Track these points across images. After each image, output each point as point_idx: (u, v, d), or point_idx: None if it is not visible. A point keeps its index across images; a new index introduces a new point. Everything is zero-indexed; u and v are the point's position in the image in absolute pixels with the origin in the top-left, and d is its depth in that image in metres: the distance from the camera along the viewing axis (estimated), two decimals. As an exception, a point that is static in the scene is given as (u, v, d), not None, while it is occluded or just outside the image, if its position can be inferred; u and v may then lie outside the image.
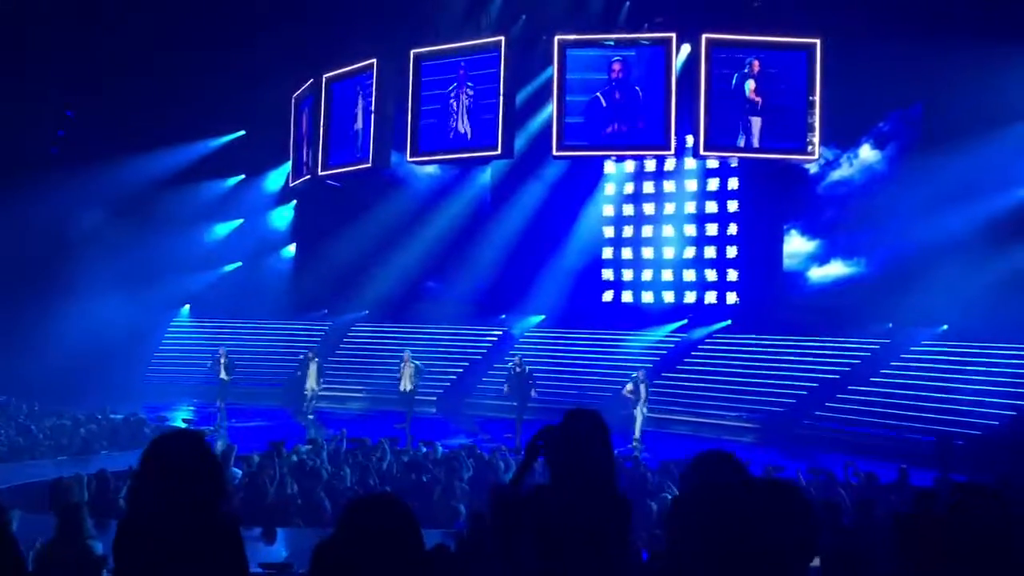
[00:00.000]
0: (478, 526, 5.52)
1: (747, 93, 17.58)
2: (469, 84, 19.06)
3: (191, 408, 21.14)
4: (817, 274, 21.53)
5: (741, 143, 17.61)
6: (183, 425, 17.56)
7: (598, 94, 18.19)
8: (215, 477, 2.91)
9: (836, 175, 21.19)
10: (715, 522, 2.99)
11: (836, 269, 21.15)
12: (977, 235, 17.66)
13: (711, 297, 23.33)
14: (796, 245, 22.15)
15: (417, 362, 19.31)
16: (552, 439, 3.46)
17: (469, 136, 19.13)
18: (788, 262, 22.23)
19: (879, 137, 20.81)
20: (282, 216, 27.87)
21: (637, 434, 17.14)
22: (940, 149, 17.87)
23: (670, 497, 8.44)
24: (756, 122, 17.58)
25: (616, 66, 18.06)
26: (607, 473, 3.44)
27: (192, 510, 2.78)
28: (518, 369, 19.04)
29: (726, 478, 3.14)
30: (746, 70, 17.52)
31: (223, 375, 20.30)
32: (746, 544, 2.67)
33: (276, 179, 27.03)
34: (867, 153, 20.93)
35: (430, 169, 23.10)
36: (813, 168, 19.88)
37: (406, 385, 18.98)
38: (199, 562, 2.75)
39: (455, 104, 19.19)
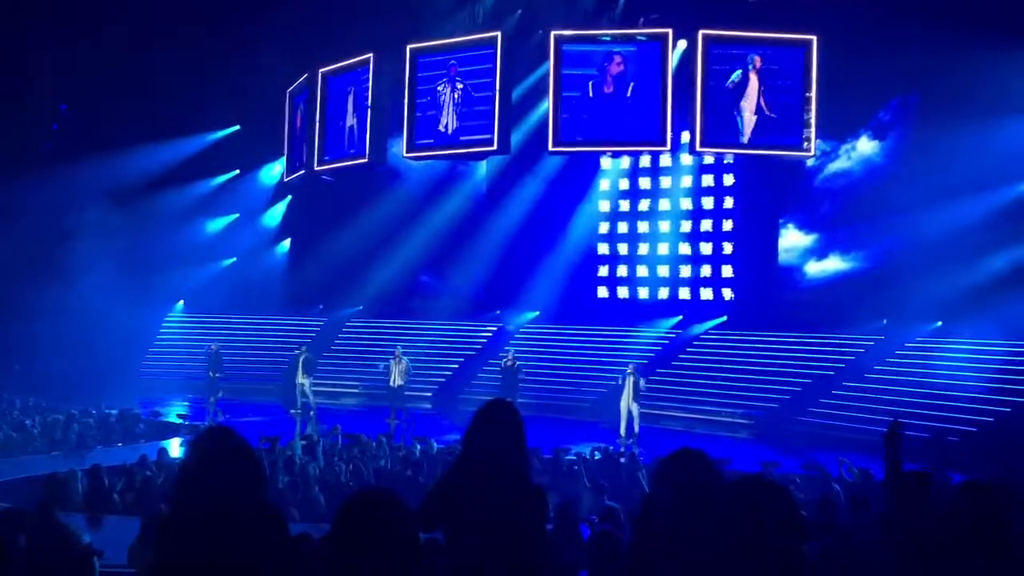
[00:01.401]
0: None
1: (745, 89, 17.59)
2: (464, 79, 19.03)
3: (185, 403, 21.09)
4: (813, 269, 21.56)
5: (744, 139, 17.63)
6: (178, 421, 17.55)
7: (590, 84, 18.18)
8: (256, 469, 2.99)
9: (833, 167, 21.20)
10: (684, 521, 2.99)
11: (832, 264, 21.18)
12: (973, 229, 17.67)
13: (707, 293, 23.32)
14: (793, 239, 22.16)
15: (406, 358, 19.37)
16: (468, 430, 3.54)
17: (465, 131, 19.11)
18: (785, 256, 22.23)
19: (876, 128, 20.80)
20: (277, 211, 27.83)
21: (636, 428, 17.16)
22: (938, 140, 17.85)
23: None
24: (752, 118, 17.60)
25: (614, 60, 18.05)
26: (517, 462, 3.49)
27: (236, 501, 2.84)
28: (510, 363, 19.10)
29: (697, 477, 3.13)
30: (749, 66, 17.52)
31: (210, 371, 20.33)
32: (716, 542, 2.67)
33: (271, 174, 27.00)
34: (864, 145, 20.94)
35: (425, 164, 23.02)
36: (811, 161, 19.85)
37: (396, 380, 19.02)
38: (245, 551, 2.78)
39: (451, 99, 19.16)
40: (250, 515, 2.86)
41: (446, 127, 19.09)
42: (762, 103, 17.54)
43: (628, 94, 18.00)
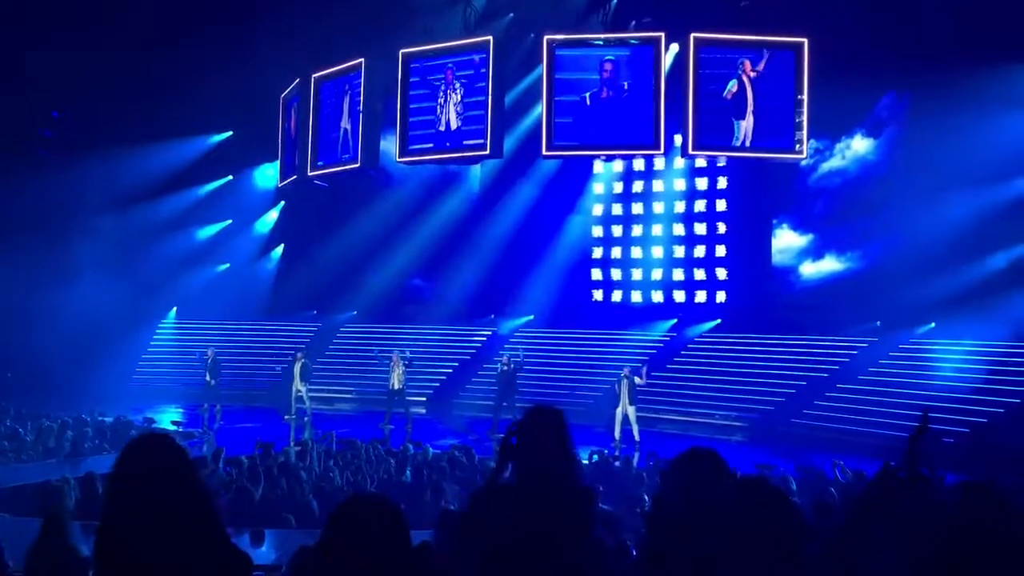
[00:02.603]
0: (445, 523, 5.53)
1: (736, 93, 17.62)
2: (458, 83, 19.04)
3: (180, 410, 21.04)
4: (808, 270, 21.58)
5: (737, 143, 17.64)
6: (172, 428, 17.50)
7: (586, 94, 18.20)
8: (188, 479, 2.80)
9: (827, 166, 21.21)
10: (696, 520, 3.00)
11: (827, 265, 21.21)
12: (967, 228, 17.64)
13: (700, 296, 23.36)
14: (787, 240, 22.16)
15: (404, 362, 19.32)
16: (514, 434, 3.53)
17: (458, 136, 19.11)
18: (779, 257, 22.24)
19: (871, 126, 20.78)
20: (270, 217, 27.80)
21: (636, 436, 17.15)
22: (932, 136, 17.85)
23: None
24: (745, 122, 17.62)
25: (607, 66, 18.07)
26: (566, 466, 3.49)
27: (167, 513, 2.70)
28: (507, 367, 19.07)
29: (709, 477, 3.15)
30: (738, 70, 17.55)
31: (208, 378, 20.25)
32: (727, 541, 2.68)
33: (264, 180, 26.97)
34: (858, 143, 20.95)
35: (419, 169, 23.00)
36: (805, 161, 19.83)
37: (395, 383, 18.97)
38: (180, 566, 2.68)
39: (444, 104, 19.17)
40: (180, 529, 2.71)
41: (447, 127, 19.09)
42: (752, 106, 17.57)
43: (621, 98, 18.03)
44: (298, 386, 19.83)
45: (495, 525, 3.38)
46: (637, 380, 17.52)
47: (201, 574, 2.70)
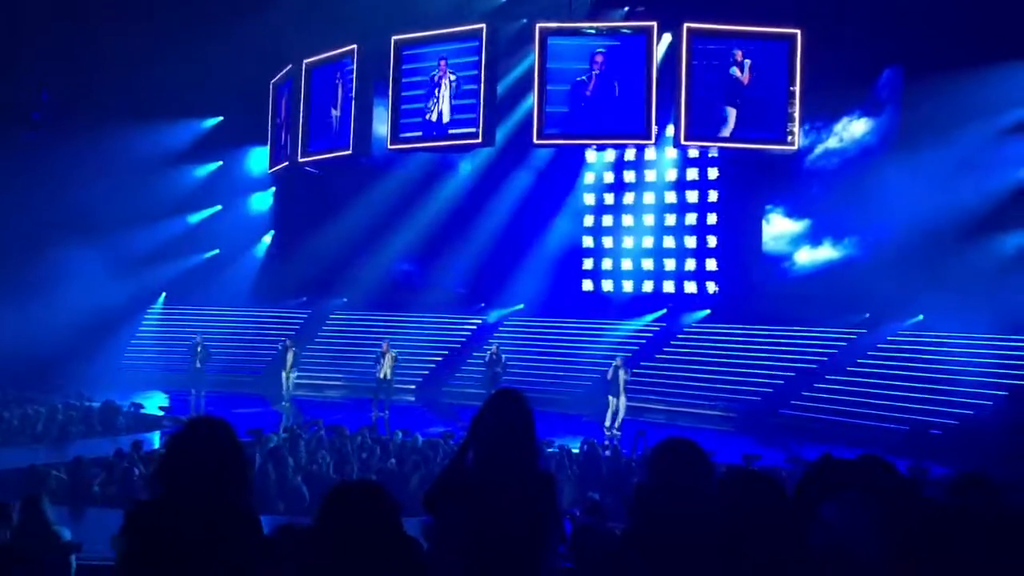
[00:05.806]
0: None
1: (729, 83, 17.58)
2: (450, 71, 18.95)
3: (167, 396, 20.97)
4: (800, 259, 21.43)
5: (726, 133, 17.59)
6: (160, 413, 17.45)
7: (581, 77, 18.11)
8: (241, 467, 2.94)
9: (820, 149, 21.08)
10: (677, 508, 3.01)
11: (819, 254, 21.12)
12: (955, 221, 17.61)
13: (691, 287, 23.39)
14: (781, 226, 22.04)
15: (394, 351, 19.32)
16: (477, 419, 3.54)
17: (450, 124, 19.03)
18: (772, 244, 22.09)
19: (867, 107, 20.59)
20: (260, 203, 27.70)
21: (615, 422, 17.24)
22: (929, 117, 17.76)
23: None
24: (735, 112, 17.59)
25: (598, 56, 18.01)
26: (529, 451, 3.53)
27: (217, 495, 2.79)
28: (494, 357, 19.12)
29: (689, 466, 3.16)
30: (730, 60, 17.51)
31: (197, 364, 20.26)
32: (707, 531, 2.68)
33: (254, 165, 26.85)
34: (855, 125, 20.82)
35: (412, 157, 22.91)
36: (801, 142, 19.61)
37: (386, 372, 18.98)
38: (217, 547, 2.73)
39: (436, 91, 19.08)
40: (228, 514, 2.80)
41: (439, 115, 18.99)
42: (743, 96, 17.53)
43: (613, 87, 17.97)
44: (286, 373, 19.86)
45: (455, 506, 3.42)
46: (624, 374, 17.54)
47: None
